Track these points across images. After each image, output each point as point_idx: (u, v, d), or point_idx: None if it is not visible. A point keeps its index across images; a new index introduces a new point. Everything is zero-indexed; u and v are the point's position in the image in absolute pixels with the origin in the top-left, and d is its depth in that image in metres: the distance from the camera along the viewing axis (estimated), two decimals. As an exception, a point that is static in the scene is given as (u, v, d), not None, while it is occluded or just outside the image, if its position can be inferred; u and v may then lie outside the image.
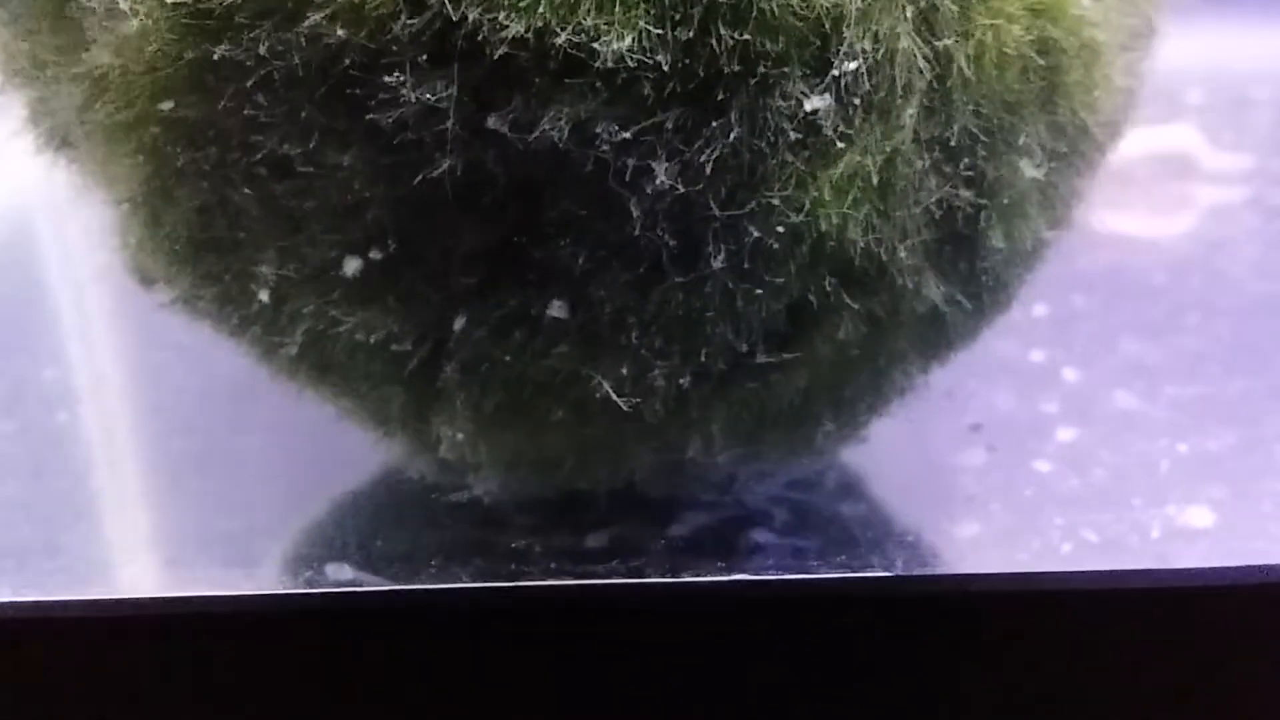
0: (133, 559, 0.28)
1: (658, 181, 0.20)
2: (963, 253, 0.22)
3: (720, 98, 0.19)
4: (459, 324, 0.22)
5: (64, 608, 0.25)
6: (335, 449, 0.28)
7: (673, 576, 0.24)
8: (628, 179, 0.20)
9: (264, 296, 0.22)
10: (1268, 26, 0.51)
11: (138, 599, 0.26)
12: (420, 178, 0.20)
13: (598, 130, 0.19)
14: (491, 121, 0.19)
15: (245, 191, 0.21)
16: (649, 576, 0.25)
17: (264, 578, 0.26)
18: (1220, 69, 0.48)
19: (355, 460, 0.28)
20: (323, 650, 0.25)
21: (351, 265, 0.21)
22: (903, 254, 0.21)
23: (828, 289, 0.21)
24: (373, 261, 0.21)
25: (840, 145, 0.20)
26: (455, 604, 0.25)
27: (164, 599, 0.26)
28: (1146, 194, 0.40)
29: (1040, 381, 0.31)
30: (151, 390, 0.33)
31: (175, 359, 0.33)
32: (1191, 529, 0.27)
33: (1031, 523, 0.27)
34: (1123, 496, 0.28)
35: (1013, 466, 0.29)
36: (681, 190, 0.20)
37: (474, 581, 0.25)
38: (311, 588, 0.25)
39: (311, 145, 0.20)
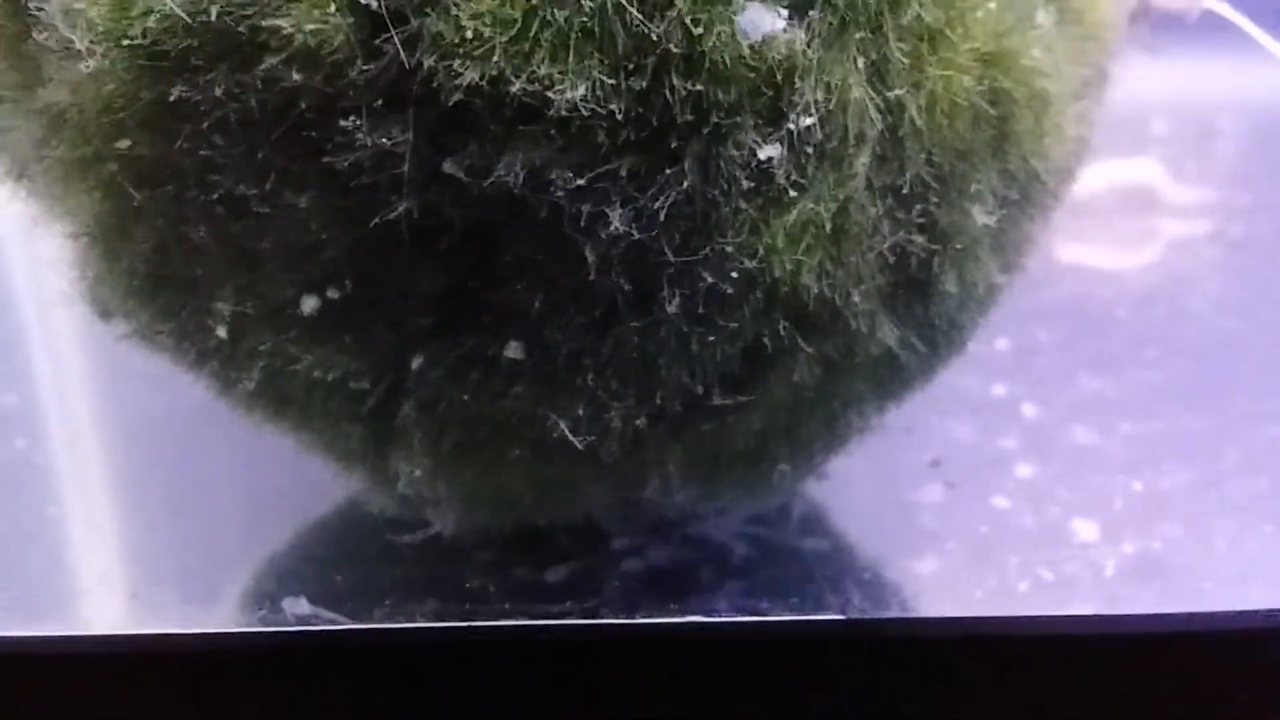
0: (92, 590, 0.28)
1: (612, 227, 0.20)
2: (916, 297, 0.22)
3: (674, 146, 0.19)
4: (416, 363, 0.22)
5: (21, 644, 0.25)
6: (299, 480, 0.28)
7: (627, 616, 0.25)
8: (582, 224, 0.20)
9: (221, 333, 0.22)
10: (1232, 57, 0.51)
11: (93, 636, 0.26)
12: (377, 220, 0.20)
13: (552, 176, 0.19)
14: (447, 166, 0.20)
15: (202, 230, 0.21)
16: (604, 615, 0.25)
17: (223, 611, 0.26)
18: (1184, 100, 0.48)
19: (319, 492, 0.28)
20: (280, 688, 0.25)
21: (309, 304, 0.21)
22: (857, 298, 0.22)
23: (782, 333, 0.21)
24: (330, 301, 0.21)
25: (793, 193, 0.20)
26: (411, 642, 0.24)
27: (122, 636, 0.26)
28: (1109, 227, 0.41)
29: (1000, 416, 0.32)
30: (113, 418, 0.33)
31: (138, 387, 0.33)
32: (1144, 569, 0.27)
33: (989, 560, 0.27)
34: (1077, 535, 0.28)
35: (971, 503, 0.29)
36: (636, 236, 0.20)
37: (430, 620, 0.25)
38: (267, 625, 0.25)
39: (268, 186, 0.20)
